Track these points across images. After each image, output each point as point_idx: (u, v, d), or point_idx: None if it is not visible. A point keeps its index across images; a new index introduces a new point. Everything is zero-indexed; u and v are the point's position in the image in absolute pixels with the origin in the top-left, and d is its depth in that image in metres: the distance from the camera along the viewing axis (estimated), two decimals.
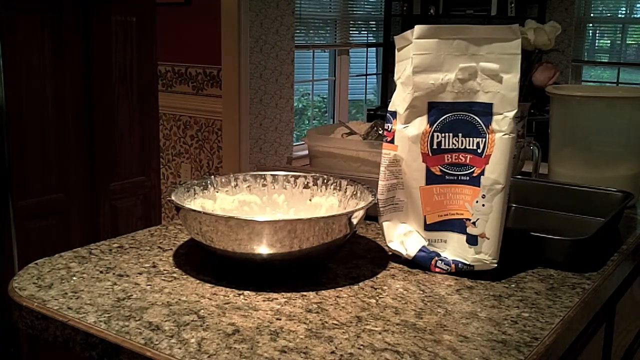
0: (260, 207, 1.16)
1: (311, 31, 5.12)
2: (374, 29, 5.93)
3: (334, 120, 5.42)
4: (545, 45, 1.60)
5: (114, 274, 0.97)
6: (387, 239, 1.06)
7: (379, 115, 5.30)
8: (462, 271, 1.00)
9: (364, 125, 1.57)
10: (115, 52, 2.52)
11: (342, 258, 1.06)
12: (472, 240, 1.00)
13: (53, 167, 2.34)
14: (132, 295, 0.89)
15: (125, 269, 0.99)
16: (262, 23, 4.02)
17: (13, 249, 2.19)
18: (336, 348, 0.76)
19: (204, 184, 1.13)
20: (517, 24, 1.01)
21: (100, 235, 2.48)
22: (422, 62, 1.00)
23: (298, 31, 4.74)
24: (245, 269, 0.98)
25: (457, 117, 1.01)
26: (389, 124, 1.04)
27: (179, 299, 0.88)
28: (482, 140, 1.00)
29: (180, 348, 0.75)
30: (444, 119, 1.01)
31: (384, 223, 1.06)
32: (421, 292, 0.94)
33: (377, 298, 0.91)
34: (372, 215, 1.07)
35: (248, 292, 0.91)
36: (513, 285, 0.97)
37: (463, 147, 1.01)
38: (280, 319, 0.83)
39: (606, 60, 5.70)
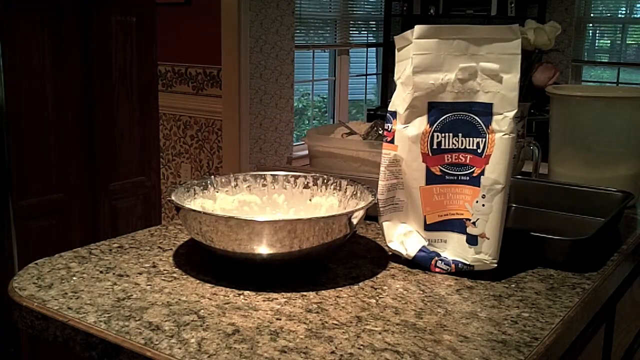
0: (260, 207, 1.16)
1: (311, 31, 5.12)
2: (374, 29, 5.93)
3: (334, 120, 5.43)
4: (545, 45, 1.60)
5: (114, 274, 0.97)
6: (387, 239, 1.06)
7: (379, 115, 5.30)
8: (462, 271, 1.00)
9: (364, 125, 1.57)
10: (115, 52, 2.52)
11: (342, 258, 1.06)
12: (472, 240, 1.00)
13: (53, 167, 2.34)
14: (132, 295, 0.89)
15: (125, 269, 0.99)
16: (262, 23, 4.02)
17: (13, 249, 2.19)
18: (336, 348, 0.76)
19: (204, 184, 1.13)
20: (517, 24, 1.01)
21: (100, 235, 2.48)
22: (422, 62, 1.00)
23: (298, 31, 4.74)
24: (245, 269, 0.98)
25: (457, 117, 1.01)
26: (389, 124, 1.04)
27: (179, 299, 0.88)
28: (482, 140, 1.00)
29: (180, 348, 0.75)
30: (444, 119, 1.01)
31: (384, 223, 1.06)
32: (421, 292, 0.94)
33: (377, 298, 0.91)
34: (372, 215, 1.07)
35: (248, 292, 0.91)
36: (513, 285, 0.97)
37: (463, 147, 1.01)
38: (280, 319, 0.83)
39: (606, 60, 5.70)
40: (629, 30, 5.53)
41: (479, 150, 1.00)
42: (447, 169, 1.02)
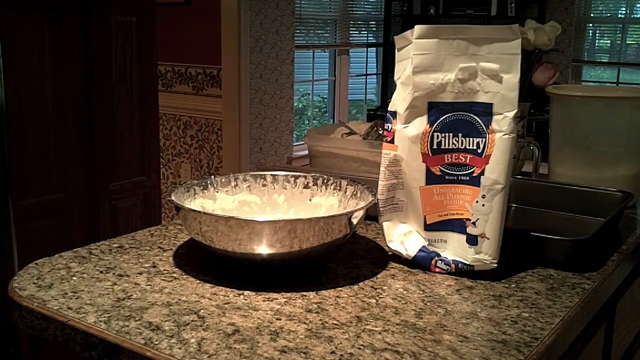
0: (260, 207, 1.16)
1: (311, 31, 5.12)
2: (374, 29, 5.93)
3: (334, 120, 5.43)
4: (545, 45, 1.60)
5: (114, 274, 0.97)
6: (387, 239, 1.06)
7: (379, 115, 5.30)
8: (462, 271, 1.00)
9: (364, 125, 1.57)
10: (115, 52, 2.52)
11: (342, 258, 1.06)
12: (472, 240, 1.00)
13: (53, 167, 2.34)
14: (132, 295, 0.89)
15: (125, 269, 0.99)
16: (262, 23, 4.02)
17: (13, 249, 2.19)
18: (336, 348, 0.76)
19: (204, 184, 1.13)
20: (517, 24, 1.01)
21: (100, 235, 2.48)
22: (422, 62, 1.00)
23: (298, 31, 4.74)
24: (245, 269, 0.98)
25: (457, 117, 1.01)
26: (389, 124, 1.04)
27: (179, 299, 0.88)
28: (482, 140, 1.00)
29: (180, 348, 0.75)
30: (444, 119, 1.01)
31: (384, 223, 1.06)
32: (421, 292, 0.94)
33: (377, 298, 0.91)
34: (372, 215, 1.07)
35: (248, 292, 0.91)
36: (513, 285, 0.97)
37: (463, 147, 1.01)
38: (280, 319, 0.83)
39: (606, 60, 5.70)
40: (629, 30, 5.53)
41: (479, 150, 1.00)
42: (447, 169, 1.02)
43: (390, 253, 1.07)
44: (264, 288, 0.93)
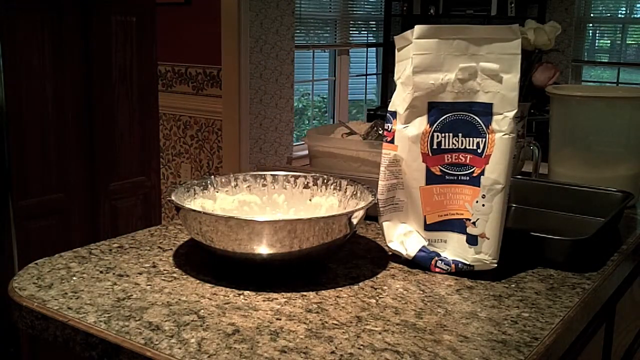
0: (260, 207, 1.16)
1: (311, 31, 5.12)
2: (374, 29, 5.93)
3: (334, 120, 5.43)
4: (545, 45, 1.60)
5: (114, 274, 0.97)
6: (387, 239, 1.06)
7: (379, 115, 5.30)
8: (462, 271, 1.00)
9: (364, 125, 1.57)
10: (115, 52, 2.52)
11: (342, 258, 1.06)
12: (472, 240, 1.00)
13: (53, 167, 2.34)
14: (132, 295, 0.89)
15: (125, 269, 0.99)
16: (262, 23, 4.02)
17: (13, 249, 2.19)
18: (336, 348, 0.76)
19: (204, 184, 1.13)
20: (517, 24, 1.01)
21: (100, 235, 2.48)
22: (422, 62, 1.00)
23: (298, 31, 4.74)
24: (245, 269, 0.98)
25: (457, 117, 1.01)
26: (389, 124, 1.04)
27: (179, 299, 0.88)
28: (482, 140, 1.00)
29: (180, 348, 0.75)
30: (444, 119, 1.01)
31: (384, 223, 1.06)
32: (421, 292, 0.94)
33: (377, 298, 0.91)
34: (372, 215, 1.07)
35: (248, 292, 0.91)
36: (513, 285, 0.97)
37: (463, 147, 1.01)
38: (280, 319, 0.83)
39: (606, 60, 5.70)
40: (629, 30, 5.54)
41: (479, 150, 1.00)
42: (447, 169, 1.02)
43: (390, 253, 1.07)
44: (264, 288, 0.93)
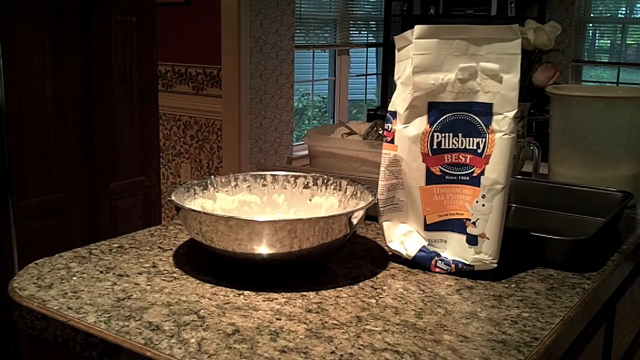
0: (260, 207, 1.16)
1: (311, 31, 5.12)
2: (374, 29, 5.93)
3: (334, 120, 5.43)
4: (545, 45, 1.61)
5: (114, 274, 0.97)
6: (387, 239, 1.06)
7: (379, 115, 5.30)
8: (462, 271, 1.00)
9: (364, 125, 1.57)
10: (115, 52, 2.52)
11: (342, 258, 1.06)
12: (472, 240, 1.00)
13: (53, 167, 2.34)
14: (132, 295, 0.89)
15: (125, 269, 0.99)
16: (262, 23, 4.02)
17: (13, 249, 2.19)
18: (336, 348, 0.76)
19: (204, 184, 1.13)
20: (517, 24, 1.01)
21: (100, 235, 2.48)
22: (422, 62, 1.00)
23: (298, 31, 4.74)
24: (245, 269, 0.98)
25: (457, 117, 1.01)
26: (389, 124, 1.04)
27: (179, 299, 0.88)
28: (482, 140, 1.00)
29: (180, 348, 0.75)
30: (444, 119, 1.01)
31: (384, 223, 1.06)
32: (421, 292, 0.94)
33: (377, 298, 0.91)
34: (372, 215, 1.07)
35: (248, 292, 0.91)
36: (513, 285, 0.97)
37: (463, 147, 1.01)
38: (280, 319, 0.83)
39: (606, 60, 5.70)
40: (629, 30, 5.54)
41: (479, 150, 1.00)
42: (447, 169, 1.02)
43: (390, 253, 1.07)
44: (264, 288, 0.93)
